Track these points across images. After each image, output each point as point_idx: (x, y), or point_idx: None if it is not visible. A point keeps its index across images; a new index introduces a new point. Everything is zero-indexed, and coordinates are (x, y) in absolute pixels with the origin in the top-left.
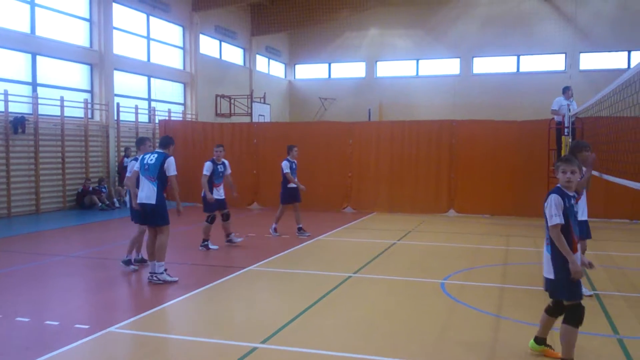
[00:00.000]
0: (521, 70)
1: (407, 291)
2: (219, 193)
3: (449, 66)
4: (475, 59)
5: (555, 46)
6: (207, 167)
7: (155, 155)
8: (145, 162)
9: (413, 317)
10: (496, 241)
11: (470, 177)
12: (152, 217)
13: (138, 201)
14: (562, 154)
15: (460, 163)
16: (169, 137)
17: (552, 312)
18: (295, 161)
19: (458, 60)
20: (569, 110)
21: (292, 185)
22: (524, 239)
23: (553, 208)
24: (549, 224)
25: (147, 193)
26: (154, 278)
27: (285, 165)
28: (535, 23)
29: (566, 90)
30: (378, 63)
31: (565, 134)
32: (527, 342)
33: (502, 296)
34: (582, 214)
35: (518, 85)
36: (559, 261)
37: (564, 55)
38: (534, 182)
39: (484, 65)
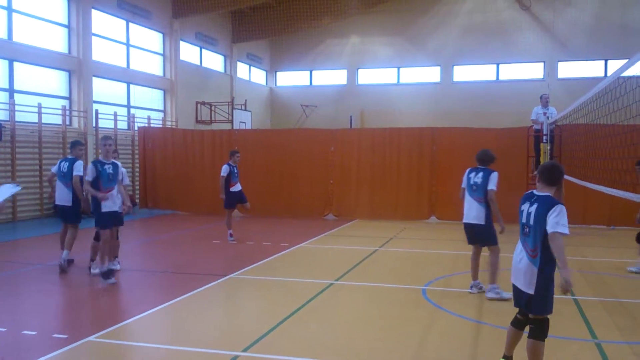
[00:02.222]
0: (501, 78)
1: (388, 298)
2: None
3: (430, 74)
4: (455, 67)
5: (534, 55)
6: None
7: (67, 162)
8: (60, 169)
9: (395, 323)
10: None
11: (451, 184)
12: (69, 215)
13: (56, 203)
14: (541, 161)
15: (441, 170)
16: (77, 140)
17: (520, 324)
18: (237, 166)
19: (439, 68)
20: (547, 118)
21: (234, 189)
22: (503, 245)
23: (565, 217)
24: (555, 230)
25: (64, 196)
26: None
27: (224, 169)
28: (515, 32)
29: (541, 99)
30: (359, 70)
31: (544, 141)
32: None
33: (483, 302)
34: None
35: (498, 93)
36: (546, 275)
37: (542, 63)
38: (513, 189)
39: (464, 73)
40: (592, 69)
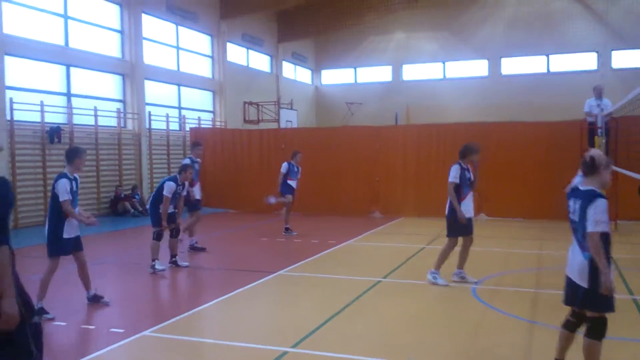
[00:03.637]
0: (551, 70)
1: (437, 296)
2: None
3: (477, 68)
4: (503, 59)
5: (586, 45)
6: (169, 189)
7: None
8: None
9: (443, 322)
10: (529, 245)
11: (500, 180)
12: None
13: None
14: None
15: (489, 165)
16: (196, 141)
17: (572, 326)
18: (299, 167)
19: (486, 61)
20: (601, 110)
21: (290, 182)
22: (558, 242)
23: (603, 214)
24: (593, 229)
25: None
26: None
27: (283, 166)
28: (565, 22)
29: (594, 90)
30: (404, 66)
31: (599, 134)
32: None
33: (536, 301)
34: (470, 212)
35: (548, 86)
36: (596, 270)
37: (595, 53)
38: (568, 183)
39: (512, 66)
40: None
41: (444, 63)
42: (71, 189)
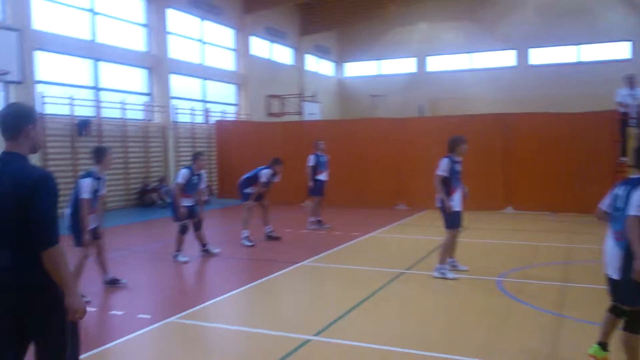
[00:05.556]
0: (582, 59)
1: (461, 288)
2: (189, 200)
3: (504, 58)
4: (531, 49)
5: (619, 33)
6: (183, 175)
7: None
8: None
9: (467, 314)
10: (557, 239)
11: (528, 173)
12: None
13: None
14: (629, 146)
15: (517, 158)
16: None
17: (617, 310)
18: (325, 155)
19: (514, 52)
20: (634, 99)
21: (320, 177)
22: (588, 236)
23: None
24: (634, 213)
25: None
26: None
27: (310, 158)
28: (597, 10)
29: (626, 80)
30: (428, 58)
31: (632, 124)
32: (590, 342)
33: (564, 294)
34: (458, 205)
35: (579, 76)
36: (629, 260)
37: (629, 43)
38: (598, 176)
39: (541, 55)
40: None
41: (469, 54)
42: (94, 189)
